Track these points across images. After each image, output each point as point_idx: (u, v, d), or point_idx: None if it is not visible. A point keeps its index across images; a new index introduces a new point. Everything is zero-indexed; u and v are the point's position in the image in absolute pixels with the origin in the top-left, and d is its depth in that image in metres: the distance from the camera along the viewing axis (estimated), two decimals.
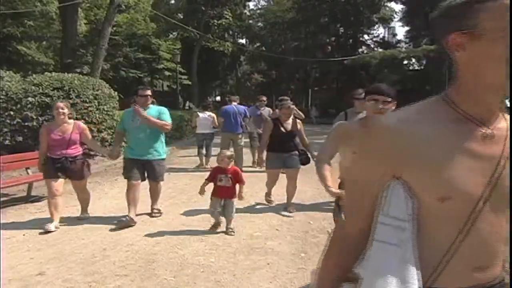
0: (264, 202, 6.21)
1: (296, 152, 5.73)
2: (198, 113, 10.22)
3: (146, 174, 5.39)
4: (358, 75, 34.29)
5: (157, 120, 5.27)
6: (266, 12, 42.39)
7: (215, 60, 36.51)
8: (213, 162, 10.20)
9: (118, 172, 8.16)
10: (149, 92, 5.38)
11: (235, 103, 9.25)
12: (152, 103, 5.45)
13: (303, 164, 5.75)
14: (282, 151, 5.69)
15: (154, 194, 5.63)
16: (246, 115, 9.15)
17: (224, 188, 4.73)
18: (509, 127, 0.99)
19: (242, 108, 9.24)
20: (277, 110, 7.88)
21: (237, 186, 4.85)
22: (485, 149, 0.94)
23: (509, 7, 0.86)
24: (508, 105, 1.24)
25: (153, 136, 5.29)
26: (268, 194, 6.19)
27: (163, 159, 5.48)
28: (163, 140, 5.53)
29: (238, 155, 8.66)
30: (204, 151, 9.81)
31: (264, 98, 9.79)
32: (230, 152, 5.11)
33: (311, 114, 30.08)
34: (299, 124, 5.87)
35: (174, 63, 26.96)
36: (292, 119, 5.83)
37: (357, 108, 4.52)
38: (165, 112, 5.45)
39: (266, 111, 9.47)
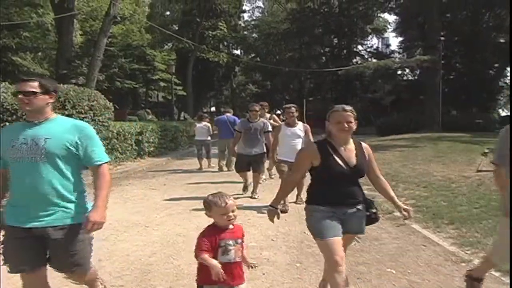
0: (262, 211, 6.05)
1: (361, 205, 3.00)
2: (196, 123, 12.42)
3: (48, 255, 2.57)
4: (353, 85, 34.61)
5: (105, 194, 2.63)
6: (260, 23, 42.81)
7: (210, 71, 36.72)
8: (214, 162, 11.11)
9: (127, 176, 8.13)
10: (33, 85, 2.58)
11: (228, 114, 10.94)
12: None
13: (369, 223, 3.10)
14: (341, 203, 2.92)
15: None
16: (236, 123, 10.16)
17: (231, 266, 2.50)
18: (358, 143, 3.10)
19: (232, 117, 10.77)
20: (282, 117, 6.89)
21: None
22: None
23: None
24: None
25: (60, 177, 2.50)
26: None
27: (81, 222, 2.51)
28: (83, 181, 2.68)
29: (231, 159, 10.05)
30: (204, 155, 11.67)
31: (257, 108, 7.56)
32: (232, 201, 2.53)
33: None
34: (367, 150, 3.07)
35: (169, 74, 27.09)
36: (357, 142, 3.03)
37: None
38: (91, 135, 2.63)
39: (261, 123, 7.46)
